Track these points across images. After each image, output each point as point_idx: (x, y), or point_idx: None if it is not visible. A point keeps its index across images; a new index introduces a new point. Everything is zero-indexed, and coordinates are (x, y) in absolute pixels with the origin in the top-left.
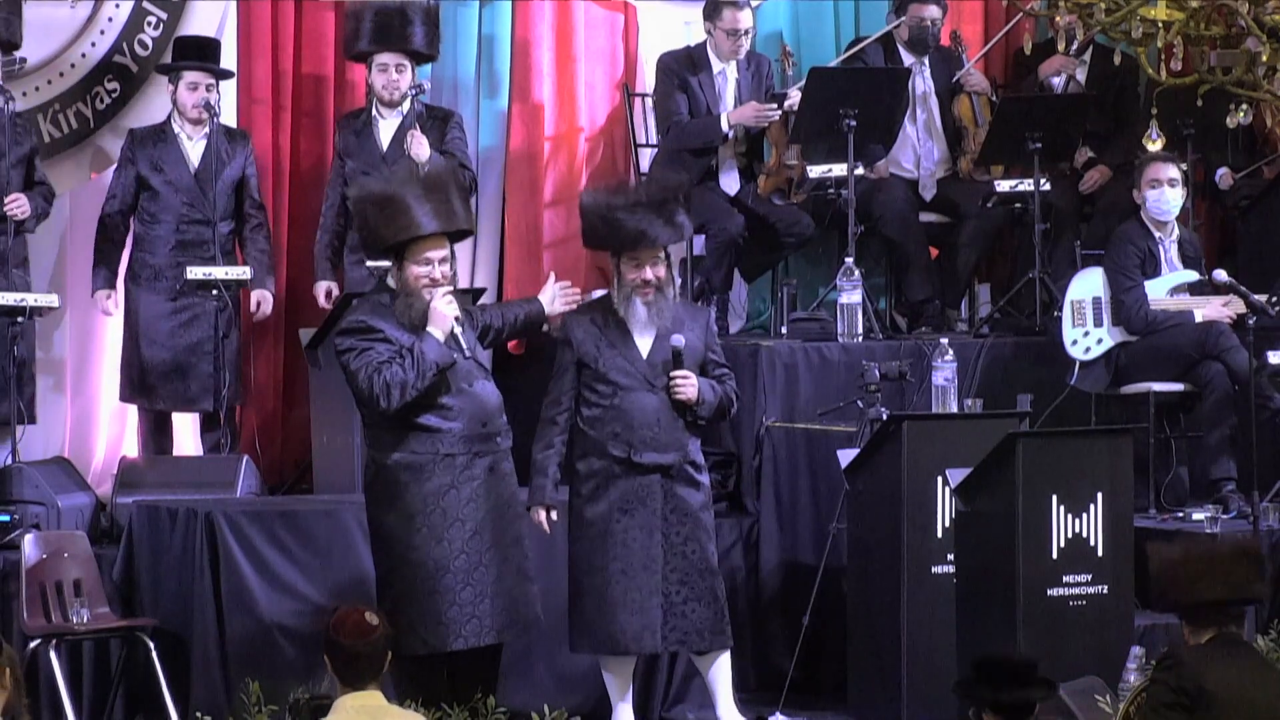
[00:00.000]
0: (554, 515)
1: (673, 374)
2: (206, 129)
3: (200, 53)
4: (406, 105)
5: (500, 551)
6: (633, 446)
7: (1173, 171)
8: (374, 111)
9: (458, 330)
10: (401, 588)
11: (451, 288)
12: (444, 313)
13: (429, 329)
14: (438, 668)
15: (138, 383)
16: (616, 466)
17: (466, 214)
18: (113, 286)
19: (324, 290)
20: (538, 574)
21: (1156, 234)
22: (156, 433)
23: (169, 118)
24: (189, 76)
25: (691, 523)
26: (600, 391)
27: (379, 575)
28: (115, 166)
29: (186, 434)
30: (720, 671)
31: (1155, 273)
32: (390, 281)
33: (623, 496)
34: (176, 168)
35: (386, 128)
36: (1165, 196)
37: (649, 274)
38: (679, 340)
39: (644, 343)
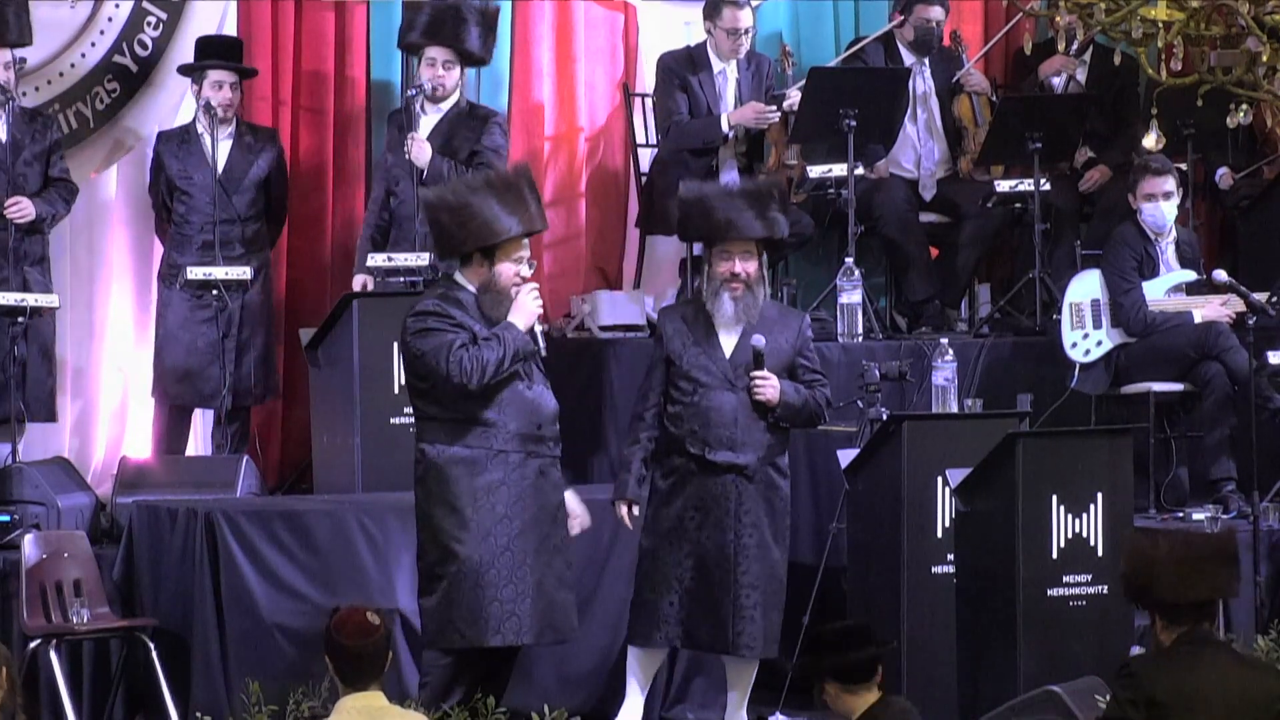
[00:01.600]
0: (635, 511)
1: (753, 374)
2: (231, 128)
3: (223, 52)
4: (449, 102)
5: (544, 555)
6: (708, 445)
7: (1168, 185)
8: (418, 108)
9: (538, 328)
10: (446, 580)
11: (536, 285)
12: (530, 307)
13: (511, 318)
14: (471, 664)
15: (161, 379)
16: (693, 464)
17: (541, 215)
18: None
19: (360, 283)
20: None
21: (1153, 236)
22: (174, 431)
23: (194, 119)
24: (213, 76)
25: (763, 527)
26: (682, 389)
27: (423, 568)
28: (149, 170)
29: (195, 432)
30: (747, 677)
31: (1153, 274)
32: (461, 279)
33: (698, 495)
34: (201, 169)
35: (427, 123)
36: (1161, 210)
37: (738, 267)
38: (759, 340)
39: (728, 342)
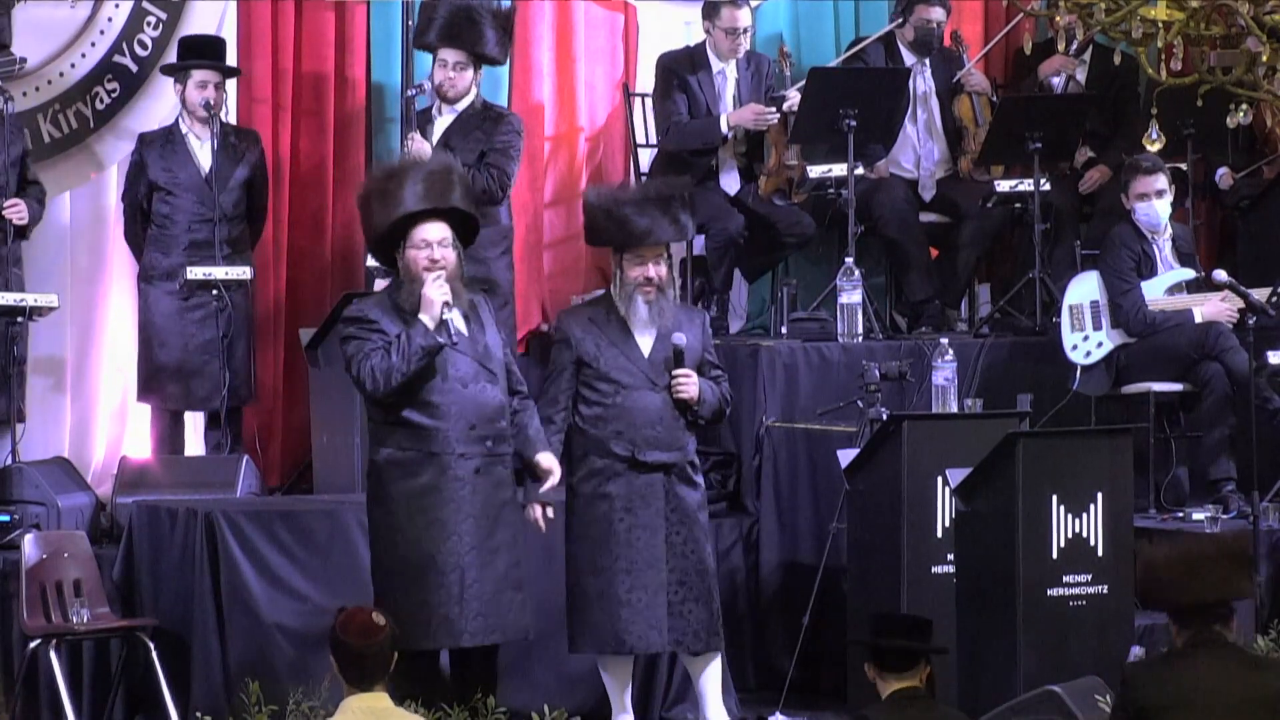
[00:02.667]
0: (550, 513)
1: (674, 372)
2: (215, 128)
3: (206, 51)
4: (464, 103)
5: (482, 556)
6: (636, 445)
7: (1160, 183)
8: (433, 109)
9: (449, 315)
10: (383, 583)
11: (442, 271)
12: (430, 297)
13: (420, 314)
14: (431, 666)
15: (149, 382)
16: (619, 465)
17: (466, 199)
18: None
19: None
20: (536, 576)
21: (1149, 234)
22: (171, 433)
23: (177, 119)
24: (197, 75)
25: (691, 523)
26: (601, 390)
27: (371, 571)
28: (125, 174)
29: (194, 433)
30: (712, 674)
31: (1151, 273)
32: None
33: (626, 495)
34: (186, 169)
35: (441, 124)
36: (1154, 208)
37: (651, 272)
38: (681, 339)
39: (645, 341)
